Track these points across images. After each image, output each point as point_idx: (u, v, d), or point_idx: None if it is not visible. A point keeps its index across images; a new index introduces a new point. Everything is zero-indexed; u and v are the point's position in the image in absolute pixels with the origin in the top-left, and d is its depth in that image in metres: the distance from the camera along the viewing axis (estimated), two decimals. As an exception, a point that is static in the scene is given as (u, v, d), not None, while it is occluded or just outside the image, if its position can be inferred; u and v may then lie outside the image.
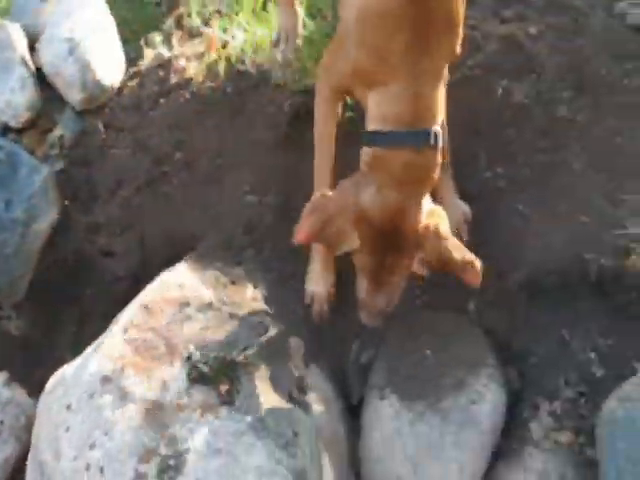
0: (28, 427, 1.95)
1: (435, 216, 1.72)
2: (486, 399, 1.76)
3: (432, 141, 1.67)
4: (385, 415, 1.78)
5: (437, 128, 1.68)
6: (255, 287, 1.96)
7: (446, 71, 1.80)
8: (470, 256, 1.70)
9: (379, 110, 1.70)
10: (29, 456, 1.75)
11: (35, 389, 1.95)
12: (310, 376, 1.86)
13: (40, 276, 2.31)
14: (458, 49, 1.72)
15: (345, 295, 2.00)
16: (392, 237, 1.70)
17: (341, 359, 1.97)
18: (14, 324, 2.27)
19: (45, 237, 2.28)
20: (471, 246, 1.73)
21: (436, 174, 1.72)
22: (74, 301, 2.27)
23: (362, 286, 1.79)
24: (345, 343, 2.00)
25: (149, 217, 2.38)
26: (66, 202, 2.43)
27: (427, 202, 1.72)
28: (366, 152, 1.74)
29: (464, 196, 2.06)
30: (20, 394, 2.07)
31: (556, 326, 1.90)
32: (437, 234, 1.71)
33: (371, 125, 1.73)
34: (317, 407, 1.77)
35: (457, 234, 1.98)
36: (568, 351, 1.85)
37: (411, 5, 1.59)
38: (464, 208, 2.09)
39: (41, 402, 1.78)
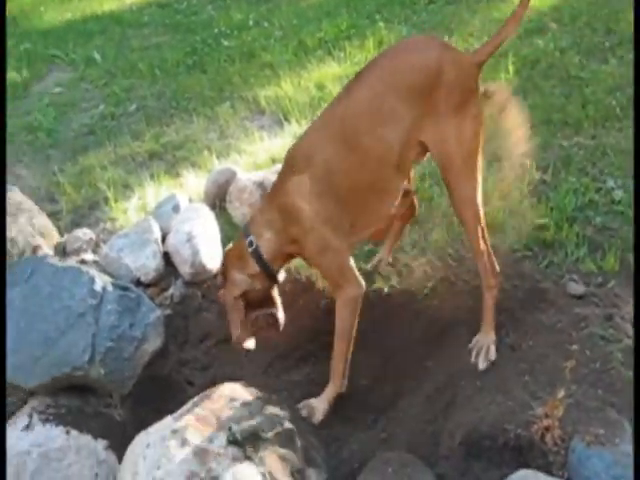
0: (114, 485, 2.54)
1: None
2: None
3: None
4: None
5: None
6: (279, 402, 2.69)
7: None
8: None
9: None
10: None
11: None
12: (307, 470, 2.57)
13: (142, 383, 2.93)
14: None
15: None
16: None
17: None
18: (117, 412, 2.88)
19: (149, 356, 2.94)
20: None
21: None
22: (161, 409, 2.75)
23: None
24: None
25: (221, 363, 3.11)
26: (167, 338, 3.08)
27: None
28: None
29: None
30: (113, 459, 2.72)
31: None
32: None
33: None
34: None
35: None
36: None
37: None
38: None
39: (128, 449, 2.49)
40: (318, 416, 2.75)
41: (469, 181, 2.64)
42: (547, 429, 2.34)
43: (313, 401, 2.78)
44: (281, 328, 2.89)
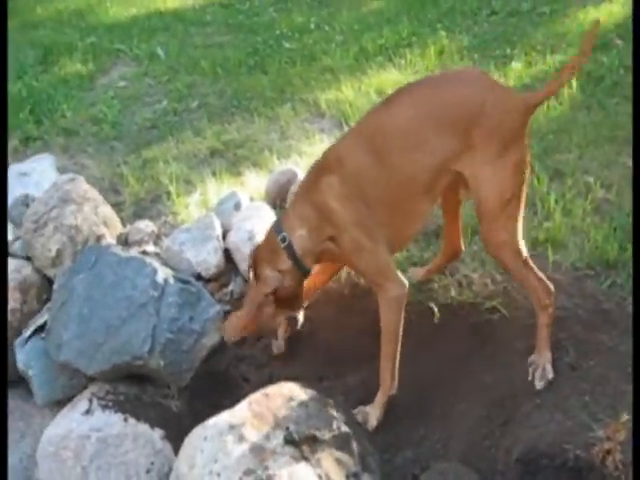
0: (169, 475, 2.52)
1: None
2: None
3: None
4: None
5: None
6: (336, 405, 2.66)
7: None
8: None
9: None
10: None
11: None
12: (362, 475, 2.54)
13: (199, 376, 2.93)
14: None
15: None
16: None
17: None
18: (174, 403, 2.91)
19: (207, 351, 2.93)
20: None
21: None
22: (217, 403, 2.82)
23: None
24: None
25: (277, 362, 3.07)
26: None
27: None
28: None
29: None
30: (168, 449, 2.75)
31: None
32: None
33: None
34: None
35: None
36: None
37: None
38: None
39: (185, 440, 2.49)
40: (372, 422, 2.73)
41: (504, 227, 2.54)
42: (608, 452, 2.29)
43: (367, 407, 2.76)
44: (298, 327, 3.00)
